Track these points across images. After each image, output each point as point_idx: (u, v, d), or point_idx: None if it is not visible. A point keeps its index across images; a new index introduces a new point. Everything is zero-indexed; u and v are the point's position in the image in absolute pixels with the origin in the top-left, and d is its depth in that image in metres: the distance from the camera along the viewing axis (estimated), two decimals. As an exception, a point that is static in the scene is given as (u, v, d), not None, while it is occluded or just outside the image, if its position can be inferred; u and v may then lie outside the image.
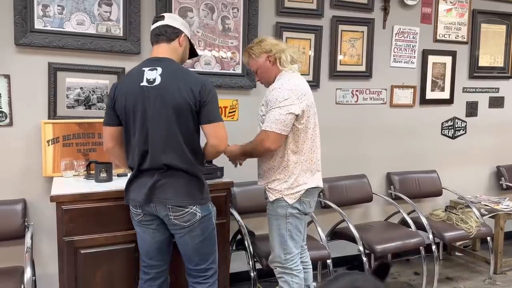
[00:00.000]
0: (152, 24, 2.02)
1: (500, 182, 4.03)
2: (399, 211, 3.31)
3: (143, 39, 2.67)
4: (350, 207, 3.42)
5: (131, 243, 2.20)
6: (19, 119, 2.52)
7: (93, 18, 2.61)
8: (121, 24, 2.67)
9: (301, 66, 2.72)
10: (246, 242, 2.71)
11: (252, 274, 2.69)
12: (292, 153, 2.19)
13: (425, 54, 3.63)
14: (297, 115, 2.11)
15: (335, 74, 3.31)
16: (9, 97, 2.48)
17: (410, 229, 3.13)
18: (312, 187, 2.23)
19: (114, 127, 2.01)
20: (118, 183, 2.29)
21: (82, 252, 2.14)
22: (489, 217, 3.47)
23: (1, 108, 2.48)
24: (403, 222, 3.31)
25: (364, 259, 2.86)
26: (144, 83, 1.90)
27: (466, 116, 3.92)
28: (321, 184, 2.30)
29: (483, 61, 3.90)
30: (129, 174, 2.05)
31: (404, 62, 3.57)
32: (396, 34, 3.50)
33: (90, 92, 2.64)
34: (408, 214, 3.29)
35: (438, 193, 3.72)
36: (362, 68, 3.41)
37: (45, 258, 2.59)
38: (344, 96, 3.39)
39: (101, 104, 2.66)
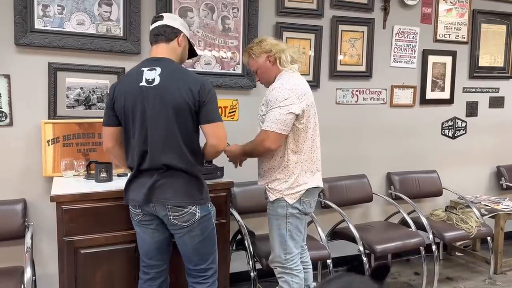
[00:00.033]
0: (151, 24, 2.02)
1: (500, 182, 4.03)
2: (399, 211, 3.31)
3: (143, 39, 2.67)
4: (350, 207, 3.42)
5: (131, 243, 2.20)
6: (19, 119, 2.52)
7: (93, 18, 2.61)
8: (121, 24, 2.67)
9: (301, 66, 2.72)
10: (246, 242, 2.71)
11: (252, 274, 2.69)
12: (292, 153, 2.18)
13: (425, 54, 3.63)
14: (297, 115, 2.11)
15: (335, 74, 3.31)
16: (9, 97, 2.48)
17: (410, 229, 3.13)
18: (313, 187, 2.23)
19: (113, 127, 2.01)
20: (118, 183, 2.29)
21: (82, 252, 2.14)
22: (489, 217, 3.47)
23: (1, 108, 2.48)
24: (403, 222, 3.31)
25: (364, 259, 2.86)
26: (143, 83, 1.90)
27: (466, 116, 3.92)
28: (321, 184, 2.30)
29: (483, 61, 3.90)
30: (129, 174, 2.05)
31: (404, 62, 3.57)
32: (396, 34, 3.50)
33: (90, 92, 2.64)
34: (408, 214, 3.29)
35: (438, 193, 3.72)
36: (362, 68, 3.41)
37: (45, 258, 2.59)
38: (344, 96, 3.39)
39: (101, 104, 2.66)
